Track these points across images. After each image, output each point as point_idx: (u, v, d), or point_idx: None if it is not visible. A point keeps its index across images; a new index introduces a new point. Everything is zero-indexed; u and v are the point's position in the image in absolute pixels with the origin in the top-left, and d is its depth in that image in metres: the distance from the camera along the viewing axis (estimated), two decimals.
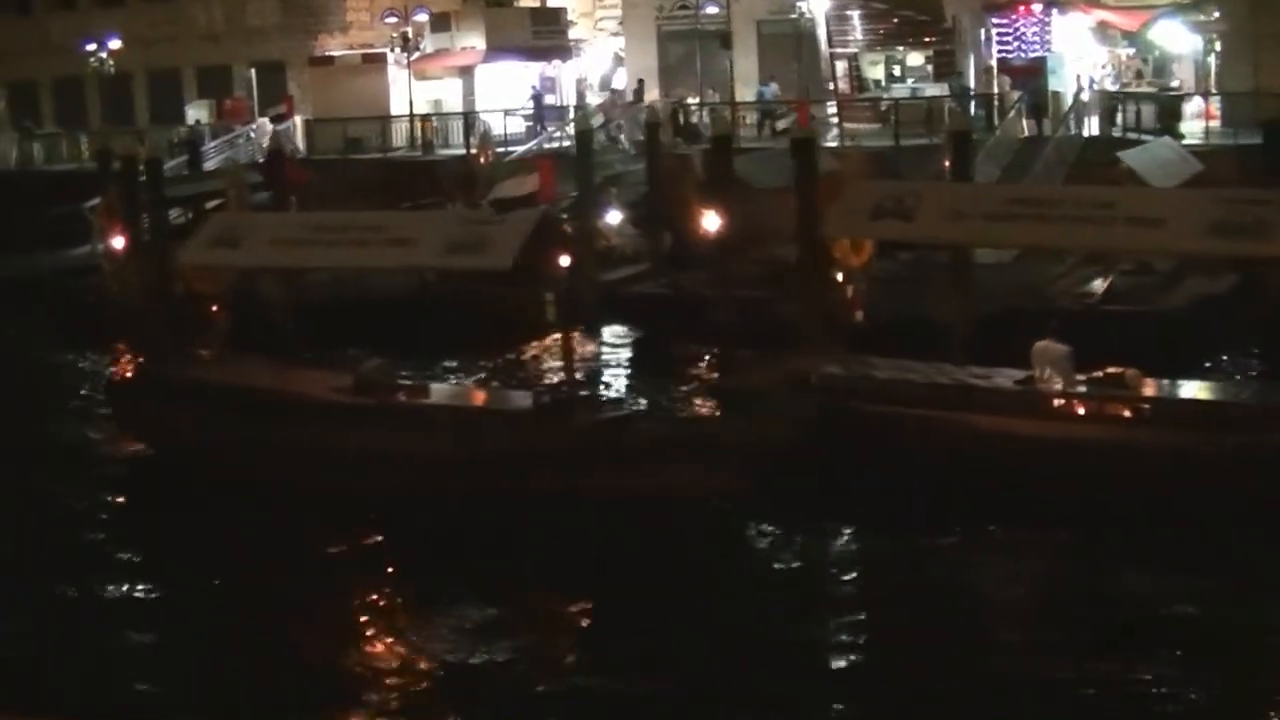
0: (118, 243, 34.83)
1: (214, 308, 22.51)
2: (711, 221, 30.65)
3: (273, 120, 45.85)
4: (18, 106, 61.38)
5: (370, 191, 38.63)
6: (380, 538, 18.33)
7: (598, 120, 41.30)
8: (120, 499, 21.40)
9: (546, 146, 42.34)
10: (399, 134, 46.74)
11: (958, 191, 24.98)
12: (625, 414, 19.34)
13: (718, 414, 19.06)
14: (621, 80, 54.58)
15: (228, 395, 21.04)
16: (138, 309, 29.06)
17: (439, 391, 21.44)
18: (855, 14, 51.12)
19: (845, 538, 18.12)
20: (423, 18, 47.26)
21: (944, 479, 17.69)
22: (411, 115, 46.11)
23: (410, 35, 45.81)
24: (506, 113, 45.92)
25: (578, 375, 21.80)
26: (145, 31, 56.86)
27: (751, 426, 18.17)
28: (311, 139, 46.51)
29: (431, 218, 21.57)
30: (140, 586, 17.81)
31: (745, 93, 53.37)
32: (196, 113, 53.03)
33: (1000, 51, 50.60)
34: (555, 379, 24.71)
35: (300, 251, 21.15)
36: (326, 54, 51.14)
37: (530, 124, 45.96)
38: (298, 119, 49.40)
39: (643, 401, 24.21)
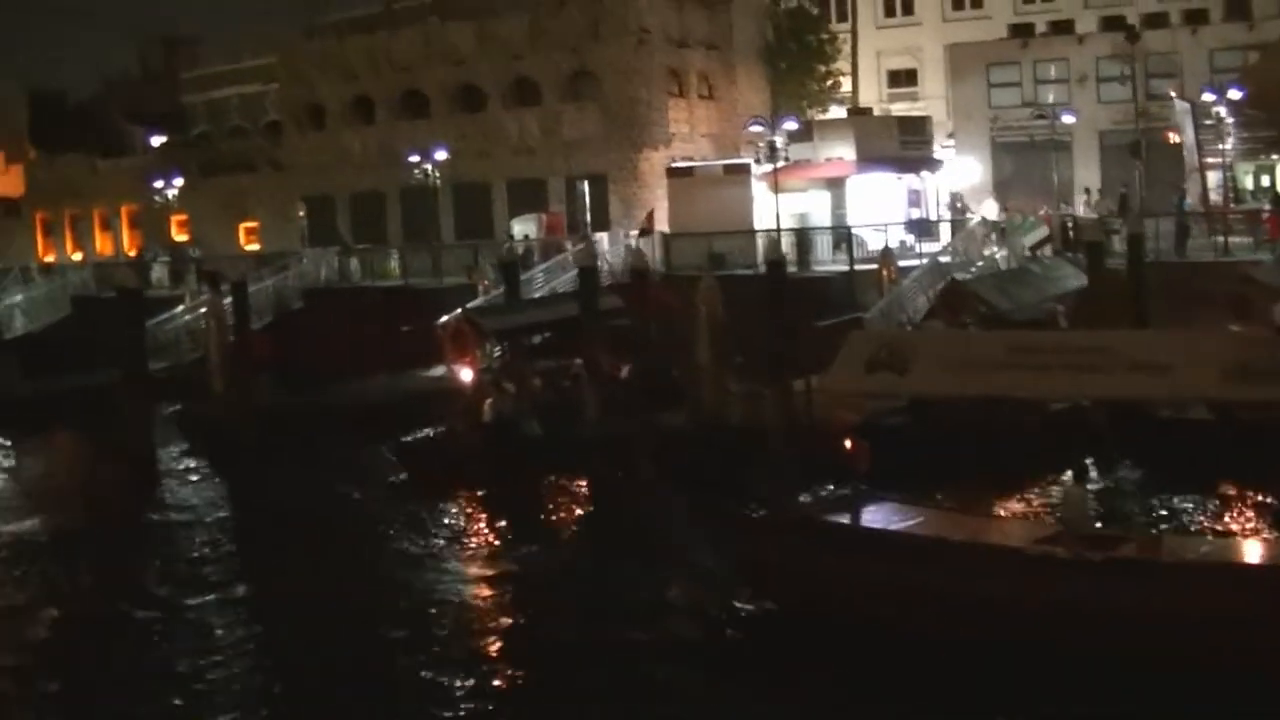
0: (465, 373, 31.69)
1: (848, 443, 18.96)
2: None
3: (639, 235, 42.74)
4: (314, 221, 59.63)
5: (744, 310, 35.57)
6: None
7: (1040, 233, 37.84)
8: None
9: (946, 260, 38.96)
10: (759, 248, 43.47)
11: None
12: None
13: None
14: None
15: (893, 544, 17.77)
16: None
17: (1179, 543, 17.87)
18: (1229, 122, 47.49)
19: None
20: (792, 125, 44.35)
21: None
22: (778, 228, 42.85)
23: (777, 145, 42.73)
24: (882, 226, 42.63)
25: None
26: (451, 144, 54.57)
27: None
28: (669, 254, 43.39)
29: (1189, 339, 17.97)
30: None
31: (1078, 206, 50.05)
32: (524, 228, 50.38)
33: None
34: None
35: (1005, 378, 17.62)
36: (685, 164, 48.34)
37: (910, 237, 42.69)
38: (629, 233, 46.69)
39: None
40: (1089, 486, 22.85)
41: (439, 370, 37.46)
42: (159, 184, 58.51)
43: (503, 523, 26.42)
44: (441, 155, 50.32)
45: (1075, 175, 53.61)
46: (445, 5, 62.74)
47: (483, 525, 26.68)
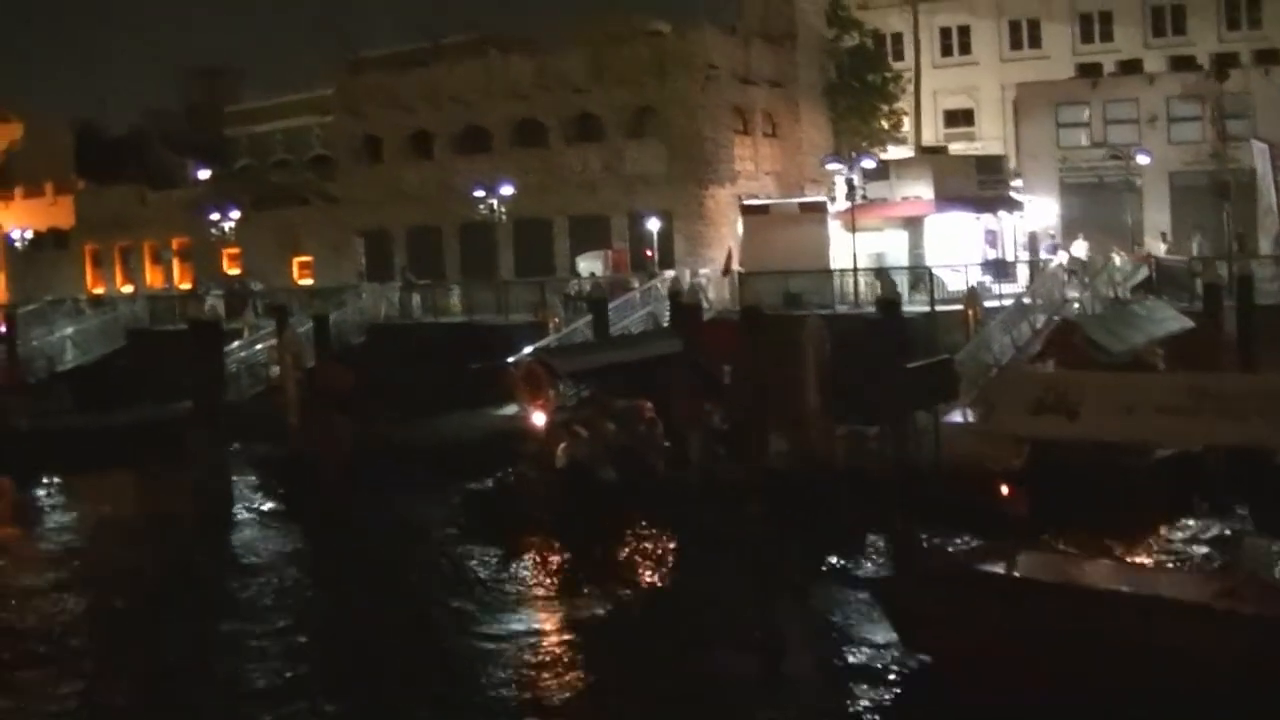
0: (538, 416, 30.55)
1: (1005, 488, 18.18)
2: None
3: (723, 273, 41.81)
4: (372, 256, 59.00)
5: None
6: None
7: (1139, 274, 36.98)
8: None
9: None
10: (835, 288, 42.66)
11: None
12: None
13: None
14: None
15: (1062, 595, 17.04)
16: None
17: None
18: None
19: None
20: (870, 163, 43.61)
21: None
22: (855, 268, 42.12)
23: (855, 183, 41.99)
24: (961, 267, 41.84)
25: None
26: (512, 179, 53.76)
27: None
28: (742, 292, 42.51)
29: None
30: None
31: (1157, 247, 49.18)
32: (589, 265, 49.65)
33: None
34: None
35: (1186, 423, 16.83)
36: (760, 202, 47.59)
37: (987, 277, 41.81)
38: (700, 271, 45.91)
39: None
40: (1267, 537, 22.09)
41: (510, 409, 36.68)
42: (215, 217, 57.86)
43: (578, 571, 25.38)
44: (508, 190, 49.60)
45: (1145, 217, 52.83)
46: (493, 39, 62.46)
47: (556, 574, 25.65)
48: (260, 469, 35.84)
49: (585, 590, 23.81)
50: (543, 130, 55.32)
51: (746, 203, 47.92)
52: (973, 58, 65.46)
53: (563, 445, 29.46)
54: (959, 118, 65.36)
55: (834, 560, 23.72)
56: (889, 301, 30.34)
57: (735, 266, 42.60)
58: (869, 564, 23.43)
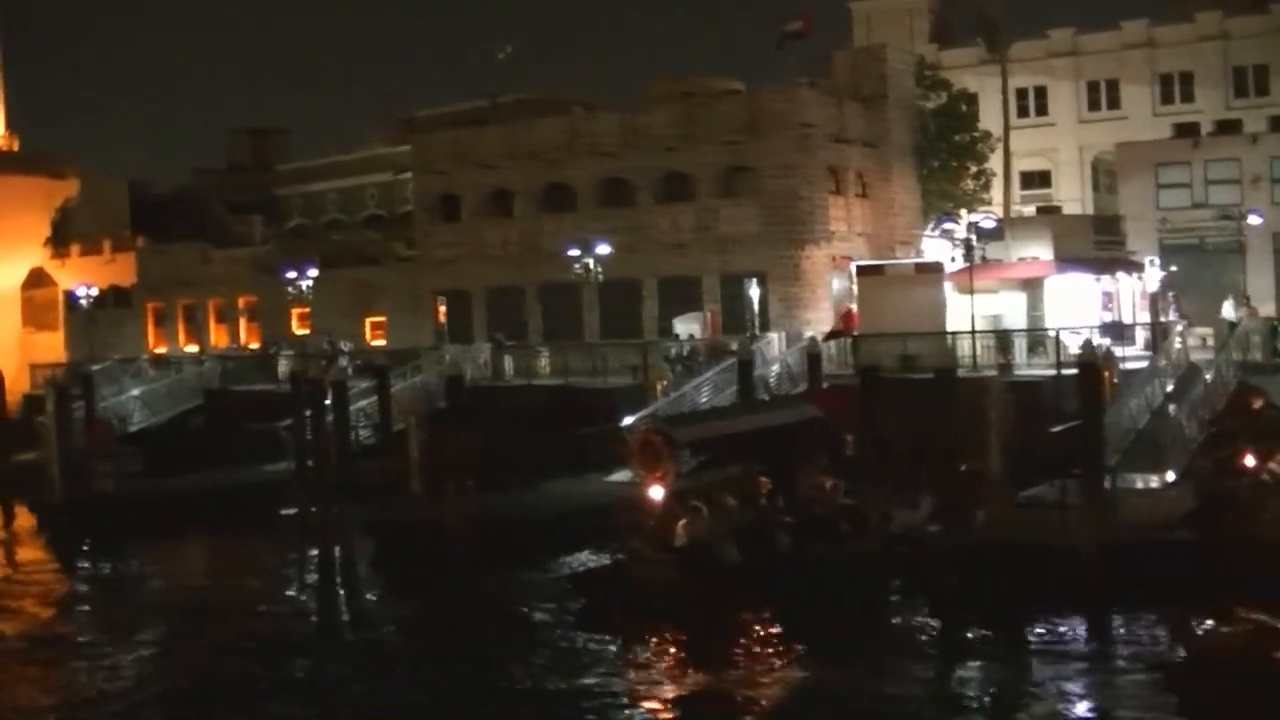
0: (656, 490, 28.25)
1: None
2: None
3: (827, 337, 40.43)
4: (451, 316, 57.78)
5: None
6: None
7: None
8: None
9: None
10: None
11: None
12: None
13: None
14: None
15: None
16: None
17: None
18: None
19: None
20: (989, 224, 42.41)
21: None
22: (973, 330, 40.86)
23: (974, 243, 40.79)
24: (1082, 329, 40.56)
25: None
26: (598, 238, 52.64)
27: None
28: (857, 354, 41.30)
29: None
30: None
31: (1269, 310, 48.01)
32: (686, 327, 48.33)
33: None
34: None
35: None
36: (875, 263, 46.38)
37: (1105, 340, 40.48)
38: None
39: None
40: None
41: (618, 475, 35.19)
42: (291, 275, 56.69)
43: (701, 662, 22.78)
44: (604, 250, 48.32)
45: (1248, 280, 51.68)
46: (553, 101, 61.74)
47: (679, 665, 23.11)
48: (373, 536, 34.16)
49: (717, 687, 21.57)
50: (629, 189, 54.13)
51: (859, 263, 46.66)
52: (1050, 119, 64.74)
53: (682, 522, 27.32)
54: (1035, 179, 64.50)
55: (1067, 638, 22.23)
56: (1087, 363, 28.92)
57: (854, 329, 41.07)
58: (1076, 640, 22.00)
